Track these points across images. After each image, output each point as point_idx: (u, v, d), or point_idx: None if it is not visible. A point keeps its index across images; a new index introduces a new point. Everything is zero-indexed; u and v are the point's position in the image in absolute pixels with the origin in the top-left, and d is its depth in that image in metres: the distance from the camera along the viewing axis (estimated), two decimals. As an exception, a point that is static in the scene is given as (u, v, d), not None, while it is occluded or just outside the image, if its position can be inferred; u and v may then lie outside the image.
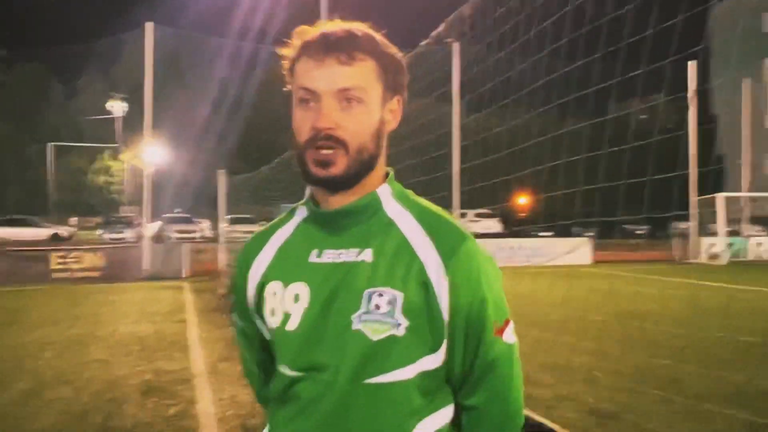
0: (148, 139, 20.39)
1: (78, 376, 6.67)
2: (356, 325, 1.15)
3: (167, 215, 35.92)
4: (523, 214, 34.36)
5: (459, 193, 12.11)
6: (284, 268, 1.26)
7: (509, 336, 1.23)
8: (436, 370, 1.19)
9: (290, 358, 1.22)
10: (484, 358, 1.20)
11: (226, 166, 20.53)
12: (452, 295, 1.16)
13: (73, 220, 51.16)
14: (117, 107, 56.83)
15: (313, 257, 1.23)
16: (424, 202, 1.28)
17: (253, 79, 51.26)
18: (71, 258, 17.47)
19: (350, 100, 1.17)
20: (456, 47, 10.88)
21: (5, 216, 38.43)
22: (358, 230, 1.22)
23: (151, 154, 21.47)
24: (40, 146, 57.20)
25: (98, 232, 37.04)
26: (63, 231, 38.26)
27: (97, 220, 46.57)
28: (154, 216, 34.48)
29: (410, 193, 1.30)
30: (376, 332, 1.14)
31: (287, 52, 1.22)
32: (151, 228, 21.33)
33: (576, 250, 22.42)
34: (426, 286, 1.16)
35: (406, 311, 1.15)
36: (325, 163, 1.17)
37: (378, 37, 1.22)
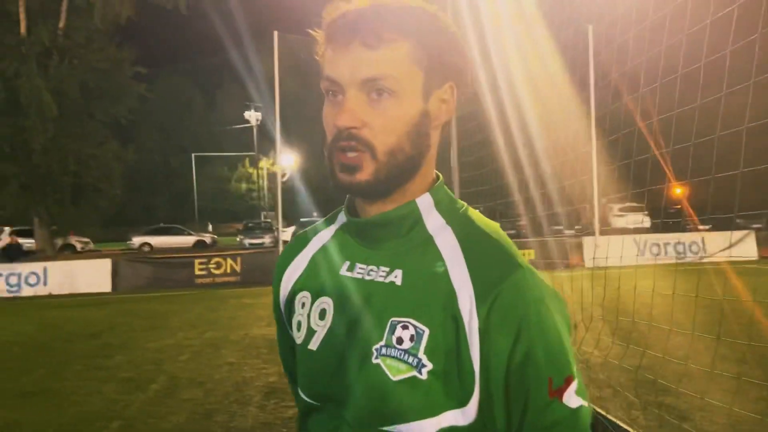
0: (280, 146, 21.07)
1: (209, 378, 6.83)
2: (376, 359, 0.96)
3: (304, 219, 37.12)
4: (677, 206, 31.96)
5: (597, 184, 11.30)
6: (315, 278, 1.08)
7: (572, 398, 0.92)
8: (467, 428, 0.93)
9: (306, 382, 1.06)
10: (535, 424, 0.91)
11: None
12: (484, 338, 0.91)
13: (209, 227, 54.32)
14: (253, 116, 59.80)
15: (344, 269, 1.04)
16: (474, 215, 1.04)
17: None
18: (212, 264, 18.32)
19: (380, 92, 0.93)
20: (590, 30, 10.15)
21: (154, 225, 41.54)
22: (393, 246, 1.01)
23: (284, 161, 22.20)
24: (185, 157, 61.44)
25: (238, 238, 38.94)
26: (206, 238, 40.70)
27: (238, 226, 49.17)
28: (293, 221, 35.80)
29: (460, 203, 1.06)
30: (395, 371, 0.94)
31: (318, 37, 0.99)
32: (287, 232, 22.11)
33: (739, 245, 20.24)
34: (456, 323, 0.92)
35: (430, 351, 0.93)
36: (350, 168, 0.96)
37: (419, 8, 0.96)
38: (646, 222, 30.27)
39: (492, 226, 1.02)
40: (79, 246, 35.49)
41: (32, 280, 17.29)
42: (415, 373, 0.93)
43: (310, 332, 1.05)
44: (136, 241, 38.12)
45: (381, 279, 0.99)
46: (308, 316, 1.06)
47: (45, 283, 17.26)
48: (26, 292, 17.06)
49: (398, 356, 0.94)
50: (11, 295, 16.95)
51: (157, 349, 8.66)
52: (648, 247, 20.16)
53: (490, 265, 0.94)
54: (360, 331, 0.98)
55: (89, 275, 17.52)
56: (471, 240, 0.98)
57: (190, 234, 40.23)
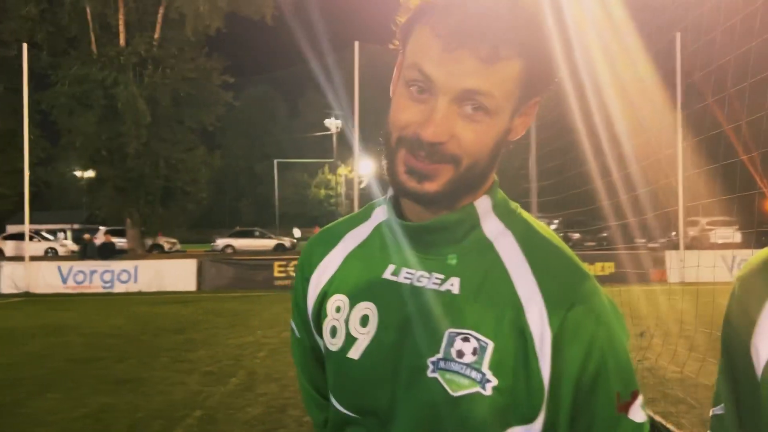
0: (358, 154, 21.42)
1: (284, 374, 7.07)
2: (433, 373, 0.88)
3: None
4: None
5: (682, 194, 10.92)
6: (353, 281, 0.99)
7: (638, 413, 0.89)
8: None
9: (346, 394, 0.97)
10: None
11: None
12: (556, 352, 0.85)
13: (297, 232, 55.33)
14: (333, 124, 60.92)
15: (387, 273, 0.96)
16: (531, 219, 0.97)
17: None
18: (291, 266, 18.80)
19: (476, 109, 0.84)
20: (678, 37, 9.88)
21: (238, 228, 42.98)
22: (447, 251, 0.93)
23: (362, 168, 22.55)
24: (268, 162, 63.23)
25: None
26: (286, 241, 41.75)
27: (317, 230, 50.11)
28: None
29: (516, 206, 0.99)
30: (456, 387, 0.87)
31: (413, 2, 0.88)
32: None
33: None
34: (524, 336, 0.86)
35: (495, 366, 0.86)
36: (421, 175, 0.87)
37: (533, 19, 0.85)
38: (737, 237, 28.75)
39: (550, 232, 0.96)
40: (167, 246, 37.17)
41: (124, 277, 18.27)
42: (478, 389, 0.87)
43: (350, 339, 0.96)
44: (220, 242, 39.58)
45: (435, 287, 0.91)
46: (346, 321, 0.97)
47: (135, 281, 18.20)
48: (119, 288, 18.05)
49: (459, 371, 0.88)
50: (105, 290, 17.97)
51: (237, 345, 9.02)
52: (737, 263, 19.25)
53: (559, 275, 0.89)
54: (412, 342, 0.91)
55: (176, 274, 18.35)
56: (534, 247, 0.92)
57: (270, 237, 41.35)
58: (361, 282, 0.98)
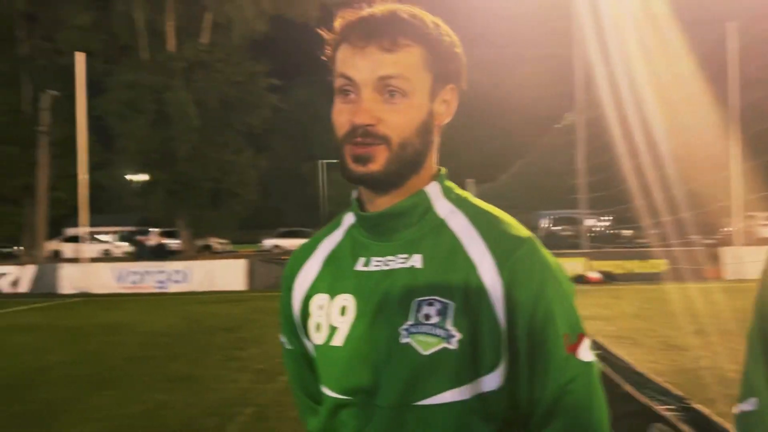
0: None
1: (335, 374, 7.11)
2: (405, 339, 1.01)
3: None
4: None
5: (741, 189, 10.58)
6: (331, 279, 1.11)
7: (586, 353, 1.02)
8: (497, 392, 1.01)
9: (335, 378, 1.08)
10: (556, 380, 1.00)
11: (475, 177, 20.70)
12: (508, 298, 1.00)
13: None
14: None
15: (359, 266, 1.08)
16: (478, 201, 1.11)
17: (496, 85, 51.18)
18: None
19: (393, 92, 1.01)
20: (732, 28, 9.56)
21: (284, 228, 43.49)
22: (407, 234, 1.07)
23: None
24: (313, 164, 63.84)
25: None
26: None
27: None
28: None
29: (464, 192, 1.14)
30: (426, 346, 1.00)
31: (329, 37, 1.08)
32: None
33: None
34: (479, 292, 1.00)
35: (457, 321, 0.99)
36: (364, 159, 1.02)
37: (428, 19, 1.06)
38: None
39: (494, 208, 1.09)
40: (217, 247, 37.90)
41: (177, 277, 18.72)
42: (445, 344, 0.99)
43: (332, 330, 1.07)
44: (268, 243, 40.12)
45: (401, 265, 1.04)
46: (327, 315, 1.08)
47: (188, 281, 18.63)
48: (172, 288, 18.50)
49: (427, 331, 0.99)
50: (159, 290, 18.45)
51: (287, 344, 9.14)
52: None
53: (504, 236, 1.03)
54: (385, 318, 1.02)
55: (227, 274, 18.70)
56: (481, 219, 1.06)
57: (318, 237, 41.70)
58: (338, 279, 1.10)
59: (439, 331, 0.99)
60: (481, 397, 1.00)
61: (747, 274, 13.17)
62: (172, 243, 29.43)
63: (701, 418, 3.59)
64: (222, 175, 28.90)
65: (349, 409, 1.06)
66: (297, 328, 1.17)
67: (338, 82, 1.05)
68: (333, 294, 1.09)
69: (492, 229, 1.04)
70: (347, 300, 1.07)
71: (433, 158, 1.11)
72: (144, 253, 21.76)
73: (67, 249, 36.45)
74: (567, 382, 1.00)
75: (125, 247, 39.76)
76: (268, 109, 30.32)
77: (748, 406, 0.96)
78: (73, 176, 26.38)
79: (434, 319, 0.99)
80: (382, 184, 1.05)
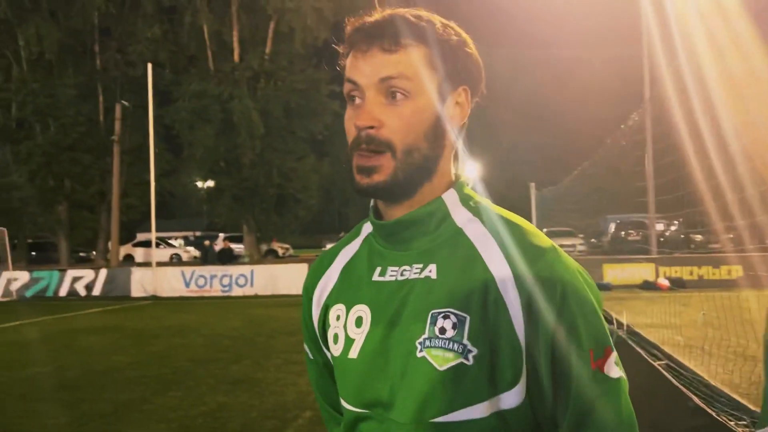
0: (462, 156, 21.25)
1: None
2: (420, 352, 0.96)
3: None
4: None
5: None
6: (348, 289, 1.08)
7: (613, 369, 0.96)
8: (517, 410, 0.96)
9: (351, 391, 1.05)
10: (581, 396, 0.94)
11: (536, 180, 20.34)
12: (527, 312, 0.94)
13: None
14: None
15: (375, 275, 1.05)
16: (500, 210, 1.06)
17: (555, 89, 50.15)
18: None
19: (395, 94, 0.98)
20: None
21: (346, 232, 43.86)
22: (423, 243, 1.03)
23: (467, 170, 22.35)
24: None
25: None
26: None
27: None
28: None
29: (485, 200, 1.09)
30: (442, 361, 0.95)
31: (342, 48, 1.06)
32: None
33: None
34: (497, 304, 0.95)
35: (474, 336, 0.95)
36: (368, 170, 0.99)
37: (436, 20, 1.02)
38: None
39: (517, 217, 1.04)
40: (281, 251, 38.58)
41: (241, 281, 19.13)
42: (461, 359, 0.94)
43: (348, 342, 1.04)
44: (329, 247, 40.55)
45: (416, 276, 1.00)
46: (344, 326, 1.06)
47: (252, 284, 19.01)
48: (236, 291, 18.92)
49: (443, 345, 0.95)
50: (224, 294, 18.89)
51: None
52: None
53: (523, 247, 0.97)
54: (400, 330, 0.99)
55: (289, 278, 18.98)
56: (500, 228, 1.00)
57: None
58: (355, 289, 1.07)
59: (456, 346, 0.95)
60: (500, 415, 0.96)
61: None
62: (238, 247, 30.11)
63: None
64: (285, 181, 29.40)
65: (367, 422, 1.03)
66: (318, 338, 1.16)
67: (345, 88, 1.03)
68: (349, 304, 1.06)
69: (512, 238, 0.99)
70: (363, 311, 1.04)
71: (449, 164, 1.07)
72: (211, 258, 22.33)
73: (139, 253, 37.88)
74: (593, 400, 0.94)
75: (193, 251, 41.04)
76: (329, 116, 30.64)
77: None
78: (144, 183, 27.42)
79: (450, 333, 0.95)
80: (390, 194, 1.02)
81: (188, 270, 19.85)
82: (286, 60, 29.36)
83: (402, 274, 1.02)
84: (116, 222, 28.62)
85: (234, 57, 29.17)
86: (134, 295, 19.02)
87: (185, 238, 48.68)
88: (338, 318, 1.08)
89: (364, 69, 0.99)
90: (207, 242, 24.87)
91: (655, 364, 6.30)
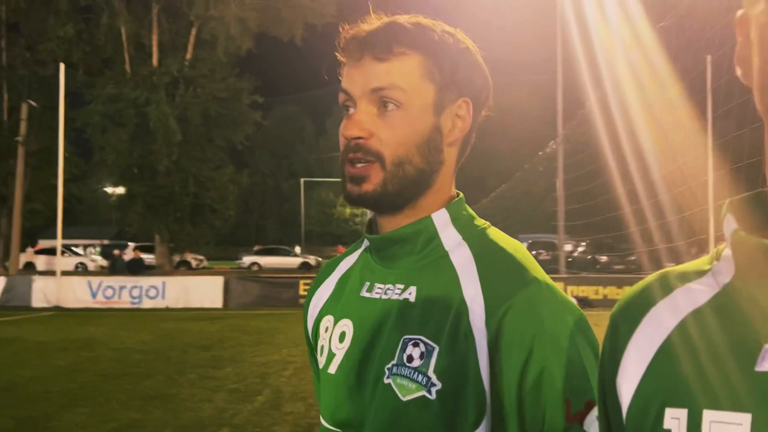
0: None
1: (310, 393, 7.05)
2: (387, 379, 0.92)
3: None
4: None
5: (713, 217, 10.76)
6: (339, 302, 1.06)
7: (593, 425, 0.83)
8: None
9: (327, 408, 1.02)
10: None
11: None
12: (494, 354, 0.87)
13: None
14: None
15: (364, 290, 1.02)
16: (494, 233, 0.99)
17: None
18: (316, 284, 18.85)
19: (387, 103, 0.93)
20: (708, 60, 9.80)
21: (264, 245, 43.27)
22: (408, 263, 0.98)
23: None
24: (294, 181, 63.78)
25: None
26: (311, 259, 41.91)
27: (343, 249, 50.23)
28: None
29: (483, 222, 1.02)
30: (405, 391, 0.90)
31: (340, 57, 1.01)
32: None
33: None
34: (467, 339, 0.88)
35: (440, 370, 0.88)
36: (358, 179, 0.95)
37: (436, 27, 0.96)
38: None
39: (511, 243, 0.98)
40: (194, 263, 37.57)
41: (152, 293, 18.47)
42: (424, 392, 0.89)
43: (331, 356, 1.02)
44: (246, 260, 39.89)
45: (396, 297, 0.96)
46: (329, 339, 1.03)
47: (163, 297, 18.39)
48: (146, 304, 18.25)
49: (408, 375, 0.90)
50: (134, 306, 18.19)
51: (264, 363, 9.06)
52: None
53: (502, 278, 0.91)
54: (375, 352, 0.95)
55: (203, 291, 18.52)
56: (485, 255, 0.94)
57: (296, 255, 41.59)
58: (345, 302, 1.04)
59: (420, 377, 0.89)
60: None
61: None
62: (149, 258, 29.11)
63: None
64: (202, 191, 28.70)
65: None
66: (313, 348, 1.14)
67: (340, 99, 0.99)
68: (337, 317, 1.04)
69: (493, 267, 0.92)
70: (347, 326, 1.01)
71: (447, 180, 1.01)
72: (119, 268, 21.48)
73: (41, 261, 35.90)
74: None
75: (100, 260, 39.32)
76: (250, 126, 30.23)
77: None
78: (50, 187, 26.08)
79: (416, 363, 0.90)
80: (380, 205, 0.98)
81: (95, 280, 19.00)
82: (207, 68, 28.77)
83: (386, 293, 0.98)
84: (18, 227, 27.07)
85: (153, 61, 28.34)
86: (35, 305, 18.00)
87: (93, 247, 46.59)
88: (326, 330, 1.05)
89: (356, 79, 0.95)
90: (116, 251, 23.92)
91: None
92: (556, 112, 18.21)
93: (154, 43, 28.38)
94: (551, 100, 19.47)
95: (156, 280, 19.09)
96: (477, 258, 0.94)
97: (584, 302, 16.83)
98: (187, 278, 20.55)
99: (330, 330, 1.04)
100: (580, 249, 26.74)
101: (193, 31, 28.58)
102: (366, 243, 1.09)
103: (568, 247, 25.12)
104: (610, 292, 18.17)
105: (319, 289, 1.13)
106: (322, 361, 1.05)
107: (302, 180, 62.77)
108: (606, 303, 17.00)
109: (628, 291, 0.66)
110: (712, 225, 10.52)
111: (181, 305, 18.01)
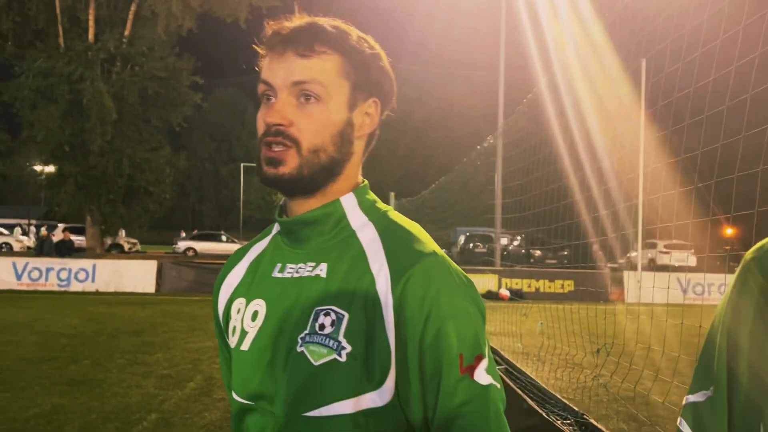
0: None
1: (244, 382, 7.01)
2: (300, 347, 1.01)
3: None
4: (728, 247, 30.90)
5: (642, 215, 11.20)
6: (251, 285, 1.13)
7: (483, 376, 0.98)
8: (383, 410, 0.99)
9: (240, 382, 1.09)
10: (448, 402, 0.97)
11: (396, 190, 20.96)
12: (397, 315, 0.98)
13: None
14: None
15: (275, 272, 1.10)
16: (398, 216, 1.11)
17: (419, 105, 51.95)
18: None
19: (308, 97, 1.04)
20: (643, 64, 10.11)
21: (200, 231, 42.42)
22: (318, 243, 1.08)
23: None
24: (234, 166, 62.69)
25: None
26: (249, 245, 41.34)
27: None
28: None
29: (384, 206, 1.14)
30: (317, 356, 0.99)
31: (260, 50, 1.10)
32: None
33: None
34: (374, 305, 0.99)
35: (349, 334, 0.99)
36: (275, 162, 1.04)
37: (352, 32, 1.08)
38: (692, 260, 29.44)
39: (410, 223, 1.09)
40: (126, 246, 36.52)
41: (81, 276, 17.91)
42: (335, 356, 0.98)
43: (243, 334, 1.09)
44: (182, 245, 39.03)
45: (308, 274, 1.05)
46: (242, 319, 1.10)
47: (93, 280, 17.86)
48: (75, 287, 17.68)
49: (320, 341, 0.99)
50: (61, 289, 17.59)
51: (195, 350, 8.92)
52: (692, 286, 19.76)
53: (405, 250, 1.02)
54: (287, 326, 1.03)
55: (135, 275, 18.07)
56: (389, 232, 1.06)
57: (233, 242, 40.97)
58: (256, 284, 1.12)
59: (331, 342, 0.99)
60: (367, 413, 0.98)
61: (645, 299, 13.93)
62: (79, 239, 28.18)
63: (596, 434, 3.79)
64: (137, 172, 27.84)
65: (251, 414, 1.07)
66: (223, 331, 1.19)
67: (260, 89, 1.07)
68: (249, 298, 1.11)
69: (396, 242, 1.04)
70: (260, 305, 1.08)
71: (355, 169, 1.12)
72: (47, 249, 20.69)
73: (-38, 240, 34.20)
74: (460, 405, 0.96)
75: (27, 241, 37.74)
76: (189, 107, 29.48)
77: (700, 397, 1.04)
78: (-26, 163, 24.83)
79: (328, 330, 0.99)
80: (293, 188, 1.06)
81: (21, 261, 18.26)
82: (146, 45, 27.90)
83: (297, 272, 1.06)
84: (-64, 204, 25.66)
85: (89, 36, 27.27)
86: (-46, 285, 17.18)
87: (19, 226, 44.65)
88: (239, 311, 1.11)
89: (278, 71, 1.04)
90: (44, 232, 23.03)
91: (496, 368, 6.76)
92: (496, 107, 18.55)
93: (91, 17, 27.31)
94: (493, 96, 19.80)
95: (86, 263, 18.51)
96: (382, 235, 1.06)
97: (518, 294, 17.26)
98: (119, 262, 19.98)
99: (242, 311, 1.11)
100: (516, 243, 27.34)
101: (133, 7, 27.64)
102: (277, 228, 1.17)
103: (504, 241, 25.67)
104: (542, 285, 18.70)
105: (230, 275, 1.19)
106: (234, 341, 1.11)
107: (242, 165, 61.80)
108: (538, 296, 17.48)
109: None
110: (640, 220, 10.96)
111: (111, 289, 17.54)
